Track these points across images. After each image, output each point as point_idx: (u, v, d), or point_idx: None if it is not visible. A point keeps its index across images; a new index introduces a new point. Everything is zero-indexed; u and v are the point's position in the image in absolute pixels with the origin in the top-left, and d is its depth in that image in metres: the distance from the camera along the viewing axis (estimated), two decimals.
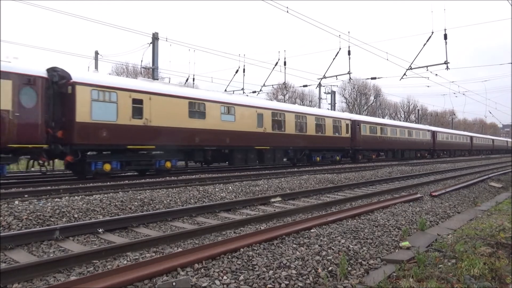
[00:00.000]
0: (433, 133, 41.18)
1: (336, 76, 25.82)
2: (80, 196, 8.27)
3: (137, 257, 4.61)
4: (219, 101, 17.50)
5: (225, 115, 17.65)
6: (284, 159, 22.20)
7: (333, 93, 41.52)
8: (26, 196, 8.86)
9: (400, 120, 71.12)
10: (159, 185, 11.50)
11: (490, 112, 69.18)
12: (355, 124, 27.66)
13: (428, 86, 76.71)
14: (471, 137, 58.73)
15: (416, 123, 61.88)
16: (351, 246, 5.11)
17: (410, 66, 22.08)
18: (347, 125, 26.85)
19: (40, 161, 12.11)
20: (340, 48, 22.71)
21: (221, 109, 17.44)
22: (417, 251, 4.64)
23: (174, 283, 3.44)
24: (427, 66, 21.71)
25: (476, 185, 13.63)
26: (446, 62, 20.29)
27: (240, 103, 18.69)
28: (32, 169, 13.74)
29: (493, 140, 74.70)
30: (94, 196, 8.35)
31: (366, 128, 29.27)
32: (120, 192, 9.11)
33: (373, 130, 30.24)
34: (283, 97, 61.83)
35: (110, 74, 38.11)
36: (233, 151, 18.17)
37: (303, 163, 23.33)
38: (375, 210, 7.84)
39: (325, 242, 5.21)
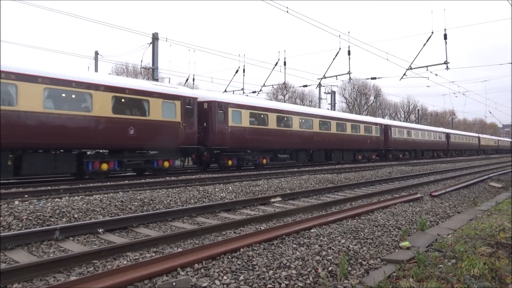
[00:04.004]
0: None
1: (336, 76, 25.87)
2: (80, 196, 8.27)
3: (137, 257, 4.61)
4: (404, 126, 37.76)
5: (414, 134, 37.77)
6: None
7: (333, 93, 41.52)
8: (26, 196, 8.86)
9: (400, 121, 71.21)
10: (159, 185, 11.49)
11: (490, 112, 69.27)
12: (448, 136, 47.41)
13: (428, 86, 76.87)
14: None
15: (416, 123, 61.93)
16: (351, 246, 5.11)
17: (410, 66, 22.11)
18: (444, 135, 46.27)
19: None
20: (340, 48, 22.77)
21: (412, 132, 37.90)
22: (417, 251, 4.64)
23: (174, 283, 3.44)
24: (427, 66, 21.74)
25: (476, 185, 13.63)
26: (446, 62, 20.31)
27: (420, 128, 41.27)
28: None
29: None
30: (94, 196, 8.35)
31: (455, 138, 49.76)
32: (120, 192, 9.11)
33: (459, 138, 51.81)
34: (283, 97, 61.83)
35: (110, 74, 38.03)
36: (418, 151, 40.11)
37: (442, 156, 44.75)
38: (375, 210, 7.84)
39: (325, 242, 5.21)
